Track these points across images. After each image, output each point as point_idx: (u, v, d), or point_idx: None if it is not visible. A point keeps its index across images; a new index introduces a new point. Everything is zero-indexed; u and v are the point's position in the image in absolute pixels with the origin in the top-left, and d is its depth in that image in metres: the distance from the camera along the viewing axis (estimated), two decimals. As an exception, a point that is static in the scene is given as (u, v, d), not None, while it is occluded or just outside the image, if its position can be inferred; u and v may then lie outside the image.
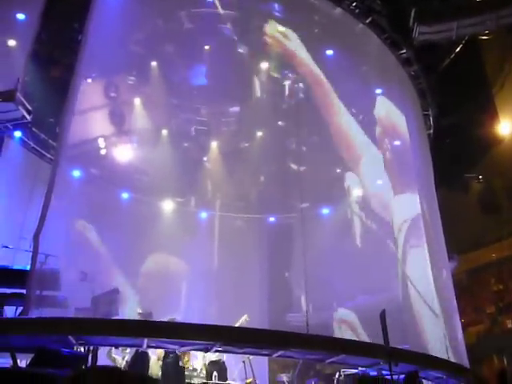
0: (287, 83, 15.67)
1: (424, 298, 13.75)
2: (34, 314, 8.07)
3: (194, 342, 8.40)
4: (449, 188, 18.95)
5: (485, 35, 15.86)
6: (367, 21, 14.88)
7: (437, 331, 13.10)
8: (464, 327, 15.93)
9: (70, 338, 7.56)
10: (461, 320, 15.35)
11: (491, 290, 19.72)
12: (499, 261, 19.87)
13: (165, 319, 10.20)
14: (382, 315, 7.99)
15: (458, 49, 16.36)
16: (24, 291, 8.31)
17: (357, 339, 13.53)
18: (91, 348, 8.14)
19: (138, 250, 14.54)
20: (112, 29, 12.14)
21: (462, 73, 16.96)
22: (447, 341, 13.01)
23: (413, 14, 14.71)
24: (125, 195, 15.75)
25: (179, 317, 12.79)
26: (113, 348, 9.58)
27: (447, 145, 18.42)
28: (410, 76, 16.10)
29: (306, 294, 12.61)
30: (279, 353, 9.07)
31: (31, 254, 8.68)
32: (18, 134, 13.54)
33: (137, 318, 11.17)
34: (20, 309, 8.37)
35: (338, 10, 14.61)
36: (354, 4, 14.59)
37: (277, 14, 14.65)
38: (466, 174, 19.82)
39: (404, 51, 15.56)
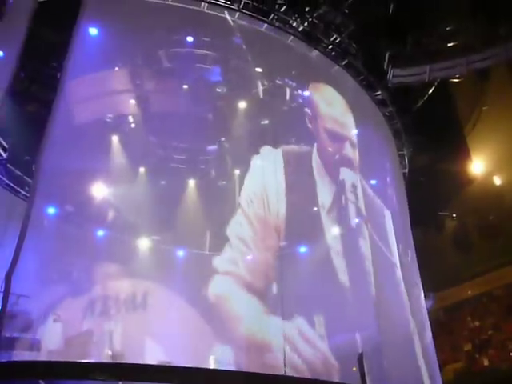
0: (264, 122, 15.84)
1: (401, 336, 13.72)
2: (4, 357, 7.81)
3: (172, 384, 8.22)
4: (424, 226, 19.20)
5: (456, 78, 16.41)
6: (343, 63, 15.29)
7: (414, 370, 13.02)
8: (442, 365, 15.86)
9: (42, 382, 7.32)
10: (438, 357, 15.30)
11: (468, 327, 19.81)
12: (475, 298, 20.06)
13: None
14: (360, 358, 7.95)
15: (430, 91, 16.86)
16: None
17: (334, 380, 13.35)
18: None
19: (112, 288, 14.26)
20: (91, 66, 12.22)
21: (435, 114, 17.43)
22: (424, 379, 12.94)
23: (387, 57, 15.18)
24: (100, 233, 15.51)
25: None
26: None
27: (421, 184, 18.75)
28: (385, 117, 16.48)
29: (284, 332, 12.46)
30: (256, 395, 8.92)
31: (2, 294, 8.45)
32: (-8, 171, 13.40)
33: (109, 359, 10.88)
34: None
35: (315, 53, 14.99)
36: (331, 47, 15.02)
37: (254, 55, 14.91)
38: (440, 213, 20.17)
39: (379, 93, 15.98)
